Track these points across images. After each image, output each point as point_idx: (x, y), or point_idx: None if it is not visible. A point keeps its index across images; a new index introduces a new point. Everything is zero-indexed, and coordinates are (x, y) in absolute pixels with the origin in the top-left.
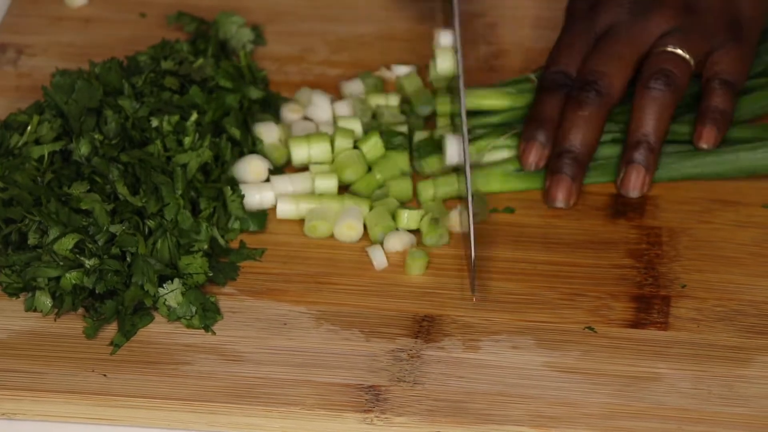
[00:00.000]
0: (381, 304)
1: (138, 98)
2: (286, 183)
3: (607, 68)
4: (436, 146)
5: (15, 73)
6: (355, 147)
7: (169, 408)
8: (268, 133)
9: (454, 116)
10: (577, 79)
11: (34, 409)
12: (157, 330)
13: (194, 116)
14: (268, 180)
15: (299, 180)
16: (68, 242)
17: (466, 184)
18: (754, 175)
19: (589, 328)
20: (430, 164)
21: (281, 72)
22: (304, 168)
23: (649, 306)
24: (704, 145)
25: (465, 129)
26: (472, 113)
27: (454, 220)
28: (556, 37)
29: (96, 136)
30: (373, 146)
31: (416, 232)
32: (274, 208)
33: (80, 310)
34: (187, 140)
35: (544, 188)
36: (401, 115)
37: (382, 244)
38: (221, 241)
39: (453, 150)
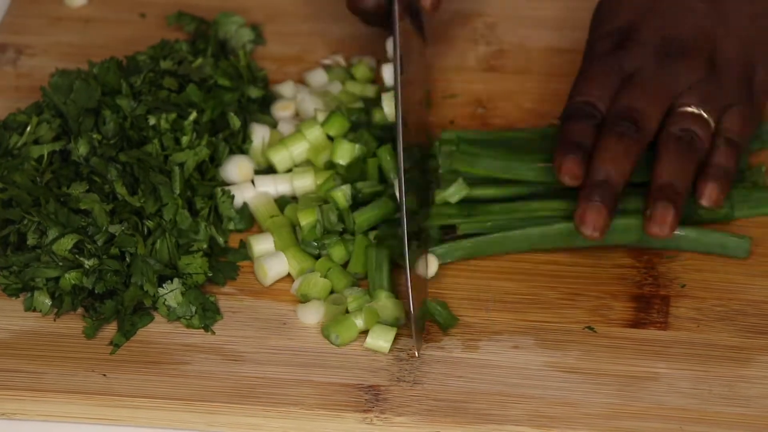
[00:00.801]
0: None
1: (136, 98)
2: (269, 183)
3: (644, 106)
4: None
5: (14, 74)
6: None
7: (169, 408)
8: (257, 134)
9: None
10: (612, 114)
11: (34, 409)
12: (157, 330)
13: (193, 115)
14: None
15: (282, 180)
16: (67, 243)
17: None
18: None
19: (589, 327)
20: None
21: (281, 72)
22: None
23: (649, 306)
24: (705, 203)
25: (401, 171)
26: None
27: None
28: (555, 36)
29: (94, 136)
30: (337, 124)
31: None
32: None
33: (80, 310)
34: (184, 139)
35: (577, 216)
36: (358, 97)
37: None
38: (220, 241)
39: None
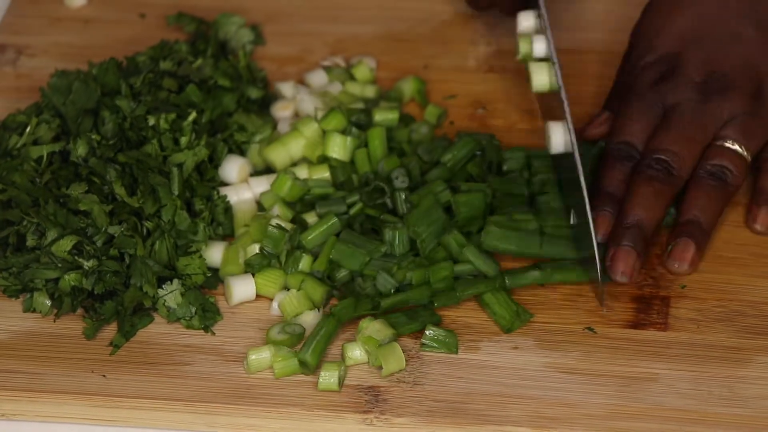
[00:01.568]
0: None
1: (136, 98)
2: (265, 184)
3: (678, 148)
4: None
5: (14, 74)
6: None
7: (168, 409)
8: (232, 165)
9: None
10: (646, 154)
11: (34, 409)
12: (157, 331)
13: (192, 115)
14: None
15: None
16: (66, 244)
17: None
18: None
19: (589, 328)
20: None
21: (281, 72)
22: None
23: (649, 306)
24: (759, 227)
25: (569, 119)
26: None
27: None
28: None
29: (93, 137)
30: (335, 120)
31: None
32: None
33: (80, 311)
34: (183, 139)
35: (607, 259)
36: (358, 97)
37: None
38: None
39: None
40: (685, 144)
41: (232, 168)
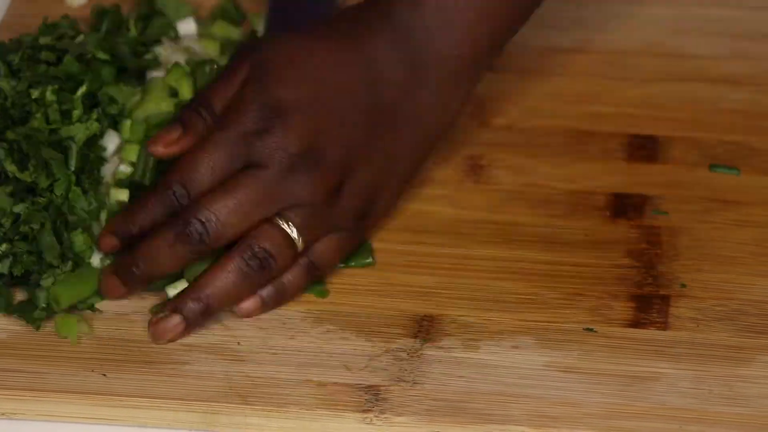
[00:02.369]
0: (381, 304)
1: (15, 75)
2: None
3: (231, 221)
4: None
5: None
6: None
7: (168, 408)
8: (111, 142)
9: None
10: (192, 208)
11: (34, 408)
12: None
13: (83, 88)
14: None
15: None
16: None
17: None
18: None
19: (589, 329)
20: None
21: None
22: None
23: (649, 306)
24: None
25: None
26: None
27: None
28: (556, 36)
29: None
30: (178, 75)
31: None
32: None
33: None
34: (76, 113)
35: (101, 281)
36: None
37: None
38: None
39: None
40: (240, 219)
41: (110, 144)
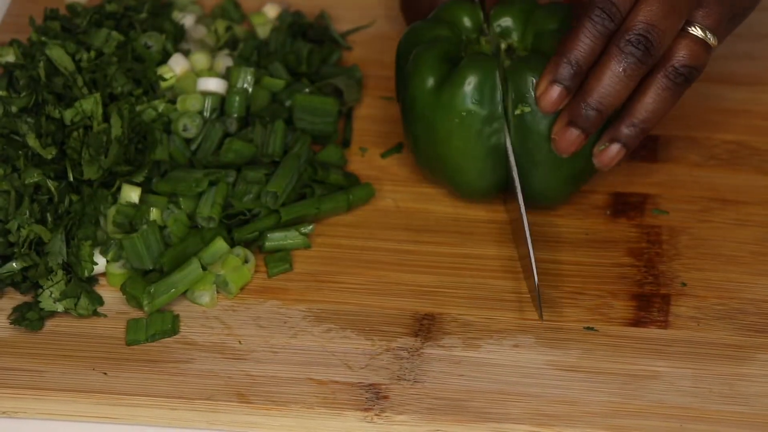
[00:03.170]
0: (381, 303)
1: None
2: None
3: (663, 25)
4: None
5: None
6: None
7: (169, 406)
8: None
9: None
10: (629, 27)
11: (35, 407)
12: None
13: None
14: None
15: None
16: None
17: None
18: None
19: (589, 327)
20: None
21: None
22: None
23: (650, 304)
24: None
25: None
26: None
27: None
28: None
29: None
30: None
31: None
32: None
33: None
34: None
35: (554, 132)
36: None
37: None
38: None
39: None
40: (669, 20)
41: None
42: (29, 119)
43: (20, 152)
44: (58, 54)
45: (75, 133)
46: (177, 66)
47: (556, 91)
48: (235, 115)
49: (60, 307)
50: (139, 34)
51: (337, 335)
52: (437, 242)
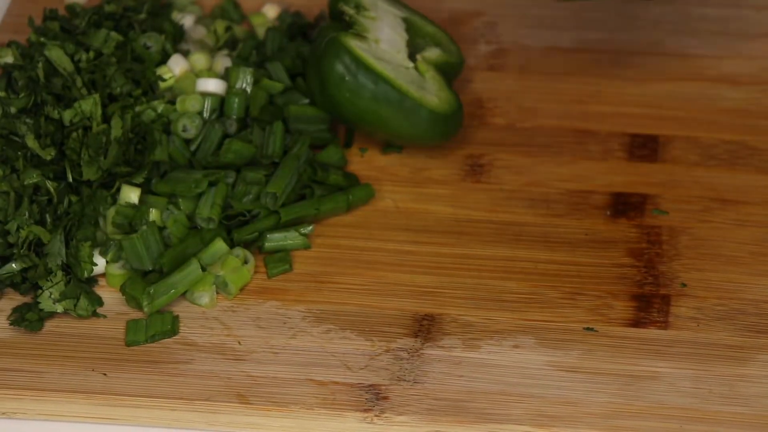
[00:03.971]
0: (381, 303)
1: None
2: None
3: None
4: None
5: None
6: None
7: (169, 407)
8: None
9: None
10: None
11: (35, 408)
12: None
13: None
14: None
15: None
16: None
17: None
18: None
19: (589, 328)
20: None
21: None
22: None
23: (650, 305)
24: None
25: None
26: None
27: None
28: (555, 36)
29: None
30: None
31: None
32: None
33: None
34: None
35: None
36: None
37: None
38: None
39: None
40: None
41: (176, 67)
42: (28, 120)
43: (19, 153)
44: (57, 54)
45: (74, 134)
46: (176, 66)
47: None
48: (235, 116)
49: (59, 308)
50: (138, 34)
51: (336, 336)
52: (437, 242)
